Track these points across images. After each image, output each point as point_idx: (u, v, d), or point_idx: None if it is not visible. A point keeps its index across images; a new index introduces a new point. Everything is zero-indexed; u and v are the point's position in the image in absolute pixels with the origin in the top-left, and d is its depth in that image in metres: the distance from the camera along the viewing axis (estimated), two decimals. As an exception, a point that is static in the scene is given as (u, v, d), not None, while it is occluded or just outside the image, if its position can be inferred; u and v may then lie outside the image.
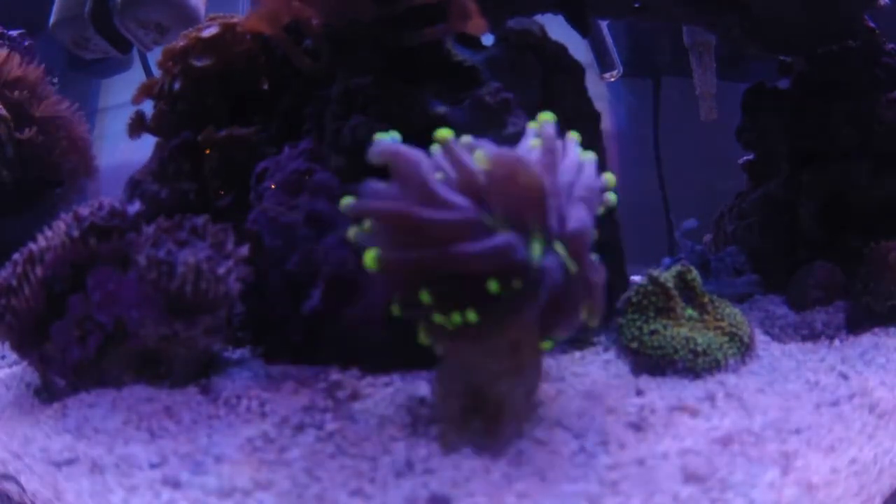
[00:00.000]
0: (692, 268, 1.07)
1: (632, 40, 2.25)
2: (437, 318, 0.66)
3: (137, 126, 1.24)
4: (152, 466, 0.68)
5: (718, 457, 0.69)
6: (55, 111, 1.62)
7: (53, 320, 0.87)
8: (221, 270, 0.89)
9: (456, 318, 0.65)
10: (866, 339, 1.10)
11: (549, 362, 0.98)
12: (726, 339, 1.00)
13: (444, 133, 0.69)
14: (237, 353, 1.03)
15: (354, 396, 0.84)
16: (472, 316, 0.64)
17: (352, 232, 0.69)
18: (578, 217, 0.69)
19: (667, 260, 1.59)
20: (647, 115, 2.37)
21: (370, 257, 0.66)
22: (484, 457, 0.68)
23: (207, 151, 1.15)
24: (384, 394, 0.85)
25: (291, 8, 1.04)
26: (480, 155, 0.68)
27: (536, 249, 0.66)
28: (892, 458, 0.69)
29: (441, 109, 1.02)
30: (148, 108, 1.25)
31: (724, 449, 0.71)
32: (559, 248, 0.68)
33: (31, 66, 1.64)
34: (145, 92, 1.23)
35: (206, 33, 1.18)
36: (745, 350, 1.01)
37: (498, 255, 0.64)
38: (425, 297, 0.65)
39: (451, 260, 0.64)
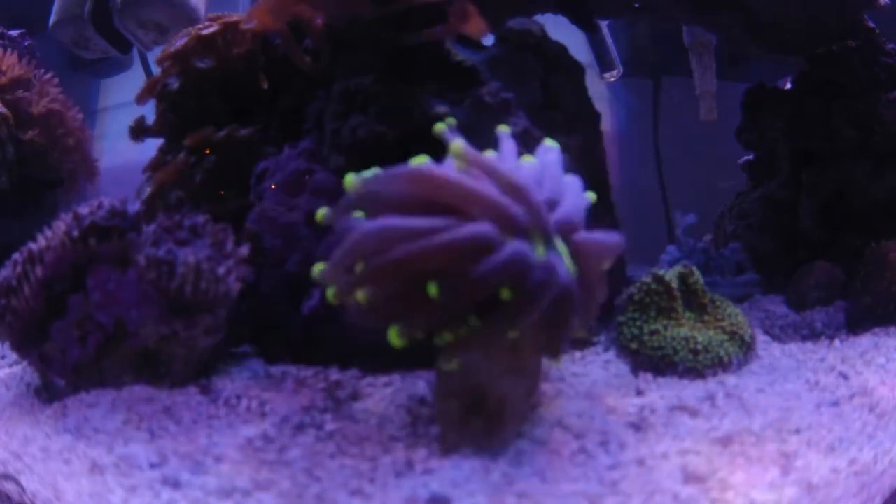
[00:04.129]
0: (694, 269, 1.07)
1: (632, 40, 2.24)
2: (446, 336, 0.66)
3: (139, 130, 1.24)
4: (152, 466, 0.68)
5: (718, 457, 0.69)
6: (53, 107, 1.62)
7: (53, 320, 0.87)
8: (221, 270, 0.89)
9: (464, 331, 0.65)
10: (866, 339, 1.10)
11: (549, 362, 0.98)
12: (727, 337, 1.00)
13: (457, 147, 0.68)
14: (237, 353, 1.03)
15: (354, 396, 0.84)
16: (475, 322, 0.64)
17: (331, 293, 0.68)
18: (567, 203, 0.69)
19: (671, 248, 1.58)
20: (647, 115, 2.37)
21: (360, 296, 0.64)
22: (484, 457, 0.68)
23: (207, 152, 1.15)
24: (384, 394, 0.85)
25: (295, 5, 1.04)
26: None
27: (540, 250, 0.66)
28: (893, 458, 0.69)
29: (441, 109, 1.02)
30: (149, 108, 1.25)
31: (724, 449, 0.70)
32: (560, 246, 0.68)
33: (27, 63, 1.64)
34: (149, 91, 1.23)
35: (206, 32, 1.18)
36: (745, 350, 1.01)
37: (513, 264, 0.64)
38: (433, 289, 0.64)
39: (476, 281, 0.63)
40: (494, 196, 0.66)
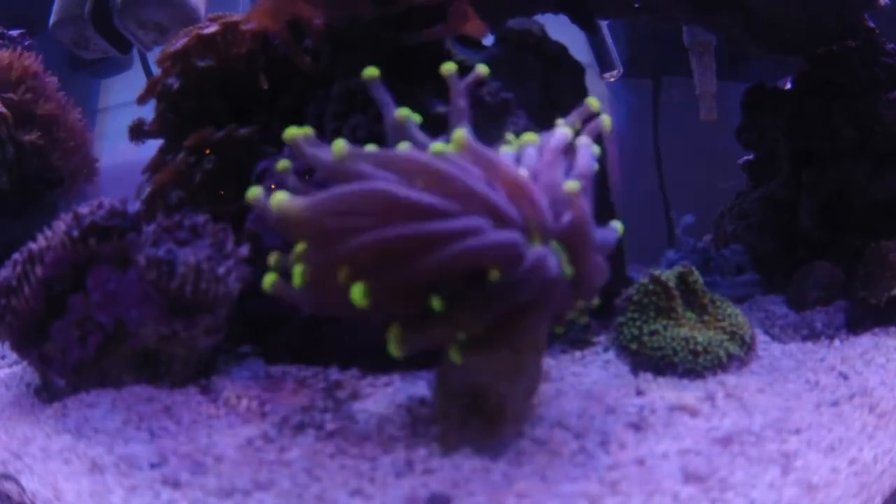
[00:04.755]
0: (694, 269, 1.07)
1: (632, 40, 2.25)
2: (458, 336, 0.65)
3: (138, 131, 1.24)
4: (152, 466, 0.68)
5: (718, 457, 0.69)
6: (56, 108, 1.62)
7: (53, 320, 0.87)
8: (221, 270, 0.89)
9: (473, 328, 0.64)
10: (866, 339, 1.10)
11: (549, 362, 0.98)
12: (727, 337, 1.00)
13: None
14: (237, 353, 1.03)
15: (354, 396, 0.84)
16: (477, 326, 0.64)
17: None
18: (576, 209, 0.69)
19: (670, 253, 1.58)
20: (647, 115, 2.37)
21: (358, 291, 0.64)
22: (484, 457, 0.68)
23: (207, 152, 1.15)
24: (384, 394, 0.85)
25: (294, 5, 1.04)
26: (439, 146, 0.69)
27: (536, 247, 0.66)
28: (893, 458, 0.69)
29: (441, 109, 1.02)
30: (149, 108, 1.25)
31: (724, 449, 0.71)
32: (556, 246, 0.68)
33: (32, 61, 1.64)
34: (150, 91, 1.23)
35: (206, 32, 1.18)
36: (745, 350, 1.01)
37: (503, 249, 0.64)
38: (437, 304, 0.64)
39: (459, 257, 0.63)
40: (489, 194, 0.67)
